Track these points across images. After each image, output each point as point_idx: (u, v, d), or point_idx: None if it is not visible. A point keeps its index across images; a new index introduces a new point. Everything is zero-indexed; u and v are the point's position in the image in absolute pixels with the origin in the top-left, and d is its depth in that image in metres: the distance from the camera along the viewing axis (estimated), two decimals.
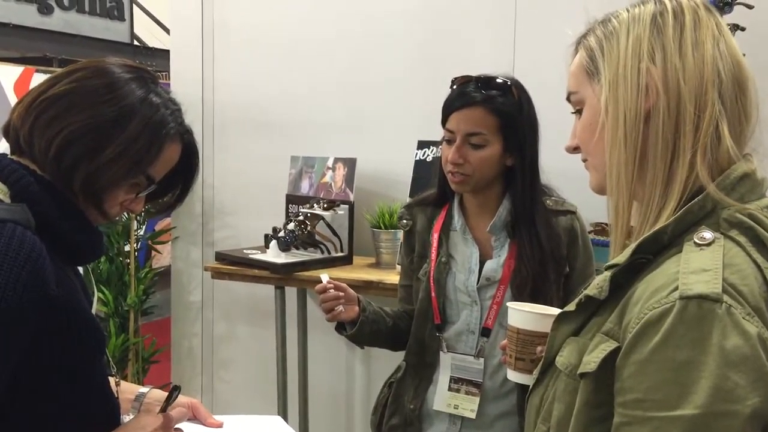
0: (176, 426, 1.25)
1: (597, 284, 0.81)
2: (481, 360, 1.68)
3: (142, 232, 3.19)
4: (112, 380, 1.27)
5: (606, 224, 2.20)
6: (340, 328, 1.75)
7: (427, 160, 2.46)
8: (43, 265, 1.02)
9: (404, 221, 1.82)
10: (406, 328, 1.78)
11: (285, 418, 2.66)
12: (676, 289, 0.70)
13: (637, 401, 0.71)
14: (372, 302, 1.77)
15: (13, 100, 4.33)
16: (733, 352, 0.67)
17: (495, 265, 1.68)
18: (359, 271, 2.41)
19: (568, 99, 0.92)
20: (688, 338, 0.68)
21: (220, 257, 2.60)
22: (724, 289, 0.69)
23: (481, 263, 1.70)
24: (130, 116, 1.12)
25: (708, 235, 0.75)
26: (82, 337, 1.12)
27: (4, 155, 1.13)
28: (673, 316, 0.69)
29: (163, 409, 1.24)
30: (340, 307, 1.68)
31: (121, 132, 1.11)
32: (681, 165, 0.79)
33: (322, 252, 2.50)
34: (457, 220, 1.73)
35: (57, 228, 1.09)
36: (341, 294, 1.68)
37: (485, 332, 1.68)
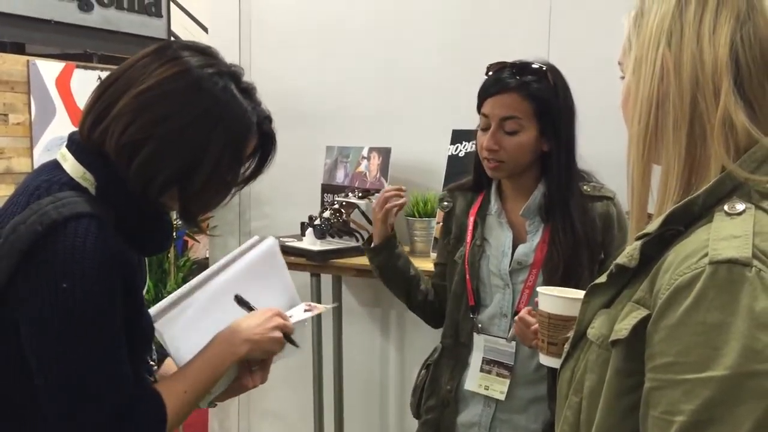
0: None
1: (627, 253, 0.82)
2: (513, 343, 1.70)
3: (180, 222, 3.26)
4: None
5: (649, 214, 2.19)
6: (368, 243, 1.89)
7: (460, 155, 2.48)
8: (124, 257, 1.09)
9: (445, 203, 1.87)
10: (425, 291, 1.88)
11: (320, 402, 2.71)
12: (706, 255, 0.71)
13: (668, 365, 0.72)
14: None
15: (55, 94, 4.44)
16: (763, 314, 0.68)
17: (527, 249, 1.70)
18: None
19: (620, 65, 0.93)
20: (718, 301, 0.69)
21: None
22: (754, 254, 0.70)
23: (515, 247, 1.72)
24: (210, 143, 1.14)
25: (740, 206, 0.75)
26: (136, 326, 1.17)
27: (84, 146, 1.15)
28: (703, 280, 0.70)
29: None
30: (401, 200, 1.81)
31: (205, 161, 1.14)
32: (706, 150, 0.79)
33: (357, 240, 2.53)
34: (494, 204, 1.75)
35: (133, 225, 1.14)
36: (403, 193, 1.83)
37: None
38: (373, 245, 1.86)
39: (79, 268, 1.03)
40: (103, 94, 1.14)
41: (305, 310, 1.46)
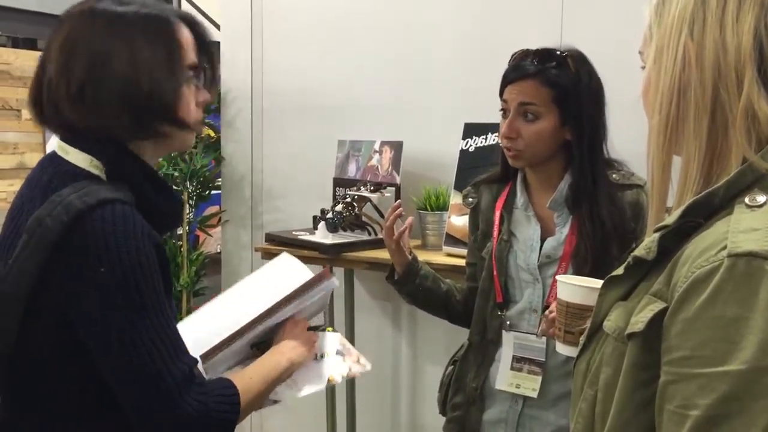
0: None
1: (645, 245, 0.81)
2: (543, 339, 1.65)
3: (192, 216, 3.27)
4: None
5: (668, 208, 2.15)
6: (391, 277, 1.82)
7: (470, 150, 2.47)
8: (153, 236, 1.11)
9: (470, 199, 1.82)
10: (462, 300, 1.81)
11: (332, 397, 2.71)
12: (725, 247, 0.70)
13: (684, 358, 0.71)
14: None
15: None
16: None
17: (555, 242, 1.66)
18: None
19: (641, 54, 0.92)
20: (737, 295, 0.68)
21: (270, 238, 2.66)
22: None
23: (543, 240, 1.68)
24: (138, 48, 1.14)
25: (761, 197, 0.74)
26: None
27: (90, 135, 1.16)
28: (722, 273, 0.69)
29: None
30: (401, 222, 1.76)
31: (141, 65, 1.14)
32: (727, 141, 0.78)
33: (369, 234, 2.53)
34: (520, 197, 1.71)
35: (150, 201, 1.15)
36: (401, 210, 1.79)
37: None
38: (396, 277, 1.81)
39: (115, 250, 1.04)
40: (41, 72, 1.16)
41: (338, 351, 1.58)
